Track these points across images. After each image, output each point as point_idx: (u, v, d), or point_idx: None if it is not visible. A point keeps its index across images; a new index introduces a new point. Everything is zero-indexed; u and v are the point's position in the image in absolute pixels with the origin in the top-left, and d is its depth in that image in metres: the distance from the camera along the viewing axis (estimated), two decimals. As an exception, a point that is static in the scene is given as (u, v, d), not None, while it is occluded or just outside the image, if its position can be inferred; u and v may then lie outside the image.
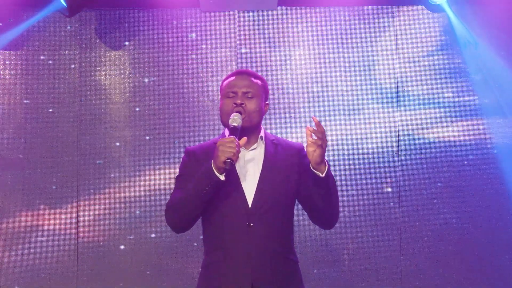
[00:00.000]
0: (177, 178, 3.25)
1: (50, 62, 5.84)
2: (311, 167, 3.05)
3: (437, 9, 5.79)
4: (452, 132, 5.81)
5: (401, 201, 5.73)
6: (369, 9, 5.83)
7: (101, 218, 5.80)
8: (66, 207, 5.78)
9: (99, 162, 5.81)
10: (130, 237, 5.79)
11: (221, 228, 3.15)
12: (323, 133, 3.00)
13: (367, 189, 5.74)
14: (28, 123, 5.81)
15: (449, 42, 5.83)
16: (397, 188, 5.74)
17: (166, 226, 5.61)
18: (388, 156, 5.77)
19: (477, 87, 5.84)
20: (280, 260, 3.14)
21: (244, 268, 3.10)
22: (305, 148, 3.13)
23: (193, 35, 5.84)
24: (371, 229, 5.71)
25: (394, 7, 5.82)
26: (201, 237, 3.25)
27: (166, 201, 5.63)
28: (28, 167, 5.78)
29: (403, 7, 5.82)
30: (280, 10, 5.84)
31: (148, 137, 5.81)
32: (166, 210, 3.20)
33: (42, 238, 5.77)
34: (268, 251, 3.12)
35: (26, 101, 5.82)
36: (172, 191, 3.27)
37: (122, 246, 5.78)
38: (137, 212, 5.79)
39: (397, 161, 5.76)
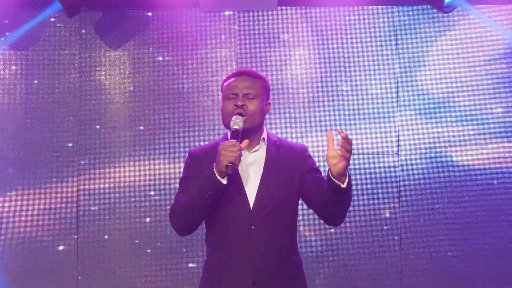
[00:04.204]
0: (181, 180, 3.26)
1: (50, 62, 5.84)
2: (332, 177, 2.99)
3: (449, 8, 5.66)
4: (487, 153, 5.60)
5: (402, 228, 5.66)
6: (371, 9, 5.82)
7: (49, 211, 5.72)
8: (10, 193, 5.74)
9: (69, 145, 5.75)
10: (76, 236, 5.74)
11: (223, 230, 3.16)
12: (351, 145, 2.95)
13: (369, 204, 5.70)
14: (28, 123, 5.81)
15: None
16: (398, 214, 5.68)
17: (131, 227, 5.66)
18: (402, 172, 5.67)
19: None
20: (283, 262, 3.15)
21: (245, 270, 3.11)
22: (307, 147, 3.12)
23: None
24: (372, 230, 5.71)
25: (393, 7, 5.81)
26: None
27: (134, 199, 5.68)
28: (28, 167, 5.78)
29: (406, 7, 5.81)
30: (280, 10, 5.84)
31: (141, 127, 5.78)
32: (170, 214, 3.20)
33: None
34: (270, 253, 3.12)
35: (26, 101, 5.82)
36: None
37: (61, 247, 5.73)
38: (94, 208, 5.76)
39: (409, 178, 5.67)
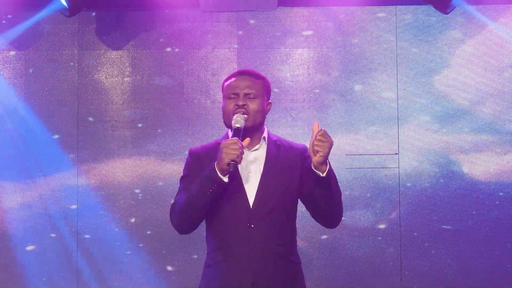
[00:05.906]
0: (181, 179, 3.26)
1: (50, 62, 5.85)
2: (312, 167, 3.05)
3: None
4: (501, 163, 5.56)
5: (402, 232, 5.66)
6: (370, 9, 5.82)
7: (27, 206, 5.70)
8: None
9: (56, 136, 5.74)
10: (52, 235, 5.71)
11: (223, 228, 3.16)
12: (324, 136, 3.01)
13: (369, 205, 5.69)
14: (28, 123, 5.81)
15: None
16: (397, 224, 5.68)
17: (119, 229, 5.65)
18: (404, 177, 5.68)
19: None
20: (282, 261, 3.15)
21: (244, 268, 3.11)
22: (308, 147, 3.14)
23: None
24: (371, 230, 5.72)
25: (393, 7, 5.81)
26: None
27: (120, 197, 5.68)
28: (27, 166, 5.78)
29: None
30: (280, 10, 5.84)
31: (140, 125, 5.78)
32: (170, 212, 3.21)
33: None
34: (269, 252, 3.13)
35: (26, 101, 5.82)
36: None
37: (30, 247, 5.70)
38: (73, 206, 5.72)
39: (413, 184, 5.67)
